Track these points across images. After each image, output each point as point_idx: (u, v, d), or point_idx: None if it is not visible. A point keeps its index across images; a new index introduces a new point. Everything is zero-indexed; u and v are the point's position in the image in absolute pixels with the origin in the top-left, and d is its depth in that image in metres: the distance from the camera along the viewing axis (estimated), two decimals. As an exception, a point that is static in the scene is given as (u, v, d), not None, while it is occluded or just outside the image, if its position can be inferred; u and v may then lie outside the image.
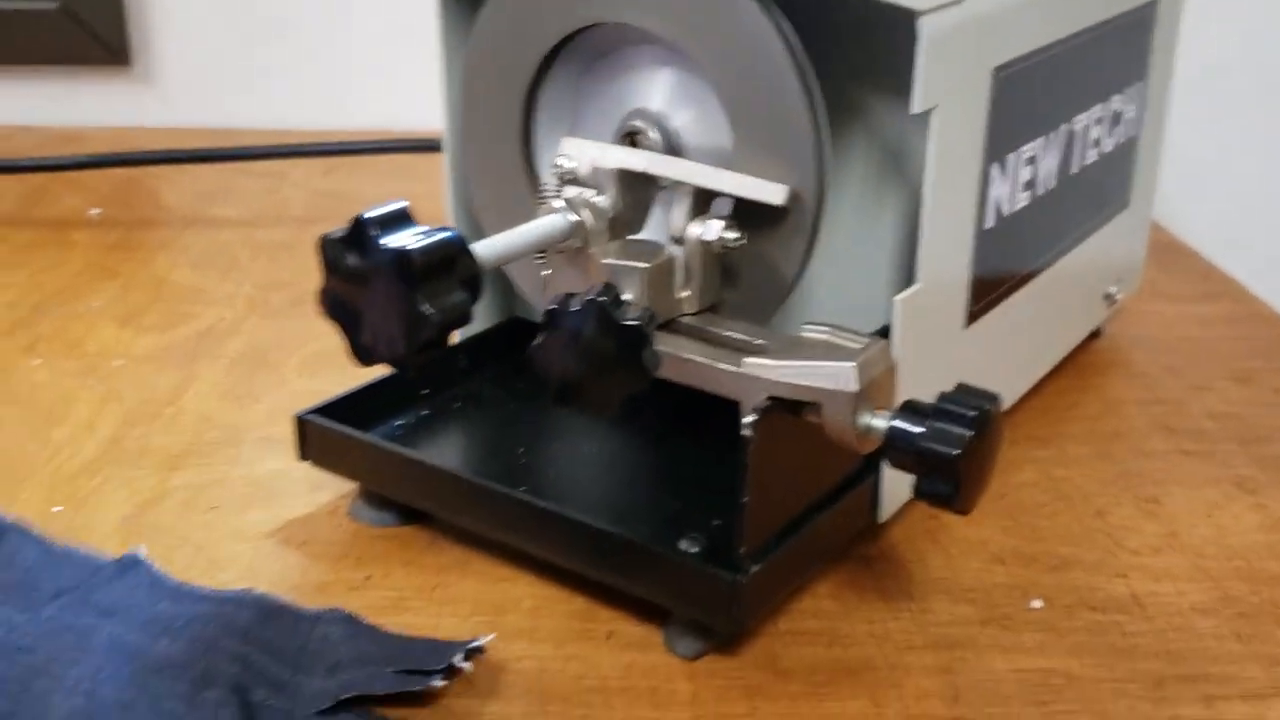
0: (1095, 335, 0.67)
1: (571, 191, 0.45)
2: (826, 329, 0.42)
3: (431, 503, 0.48)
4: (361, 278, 0.37)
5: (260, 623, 0.43)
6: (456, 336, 0.51)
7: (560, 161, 0.46)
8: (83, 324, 0.68)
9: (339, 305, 0.38)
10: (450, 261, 0.38)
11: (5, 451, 0.55)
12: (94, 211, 0.84)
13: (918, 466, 0.39)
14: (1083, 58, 0.54)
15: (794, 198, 0.45)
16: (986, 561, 0.49)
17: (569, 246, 0.45)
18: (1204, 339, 0.69)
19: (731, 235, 0.45)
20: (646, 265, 0.44)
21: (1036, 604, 0.47)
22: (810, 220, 0.45)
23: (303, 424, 0.50)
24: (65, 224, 0.82)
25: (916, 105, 0.43)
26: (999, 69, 0.47)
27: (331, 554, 0.49)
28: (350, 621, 0.43)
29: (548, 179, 0.46)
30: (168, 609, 0.44)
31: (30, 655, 0.41)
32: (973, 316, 0.50)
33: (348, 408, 0.51)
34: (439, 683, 0.41)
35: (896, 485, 0.48)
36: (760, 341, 0.44)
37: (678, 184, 0.45)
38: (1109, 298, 0.65)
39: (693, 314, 0.46)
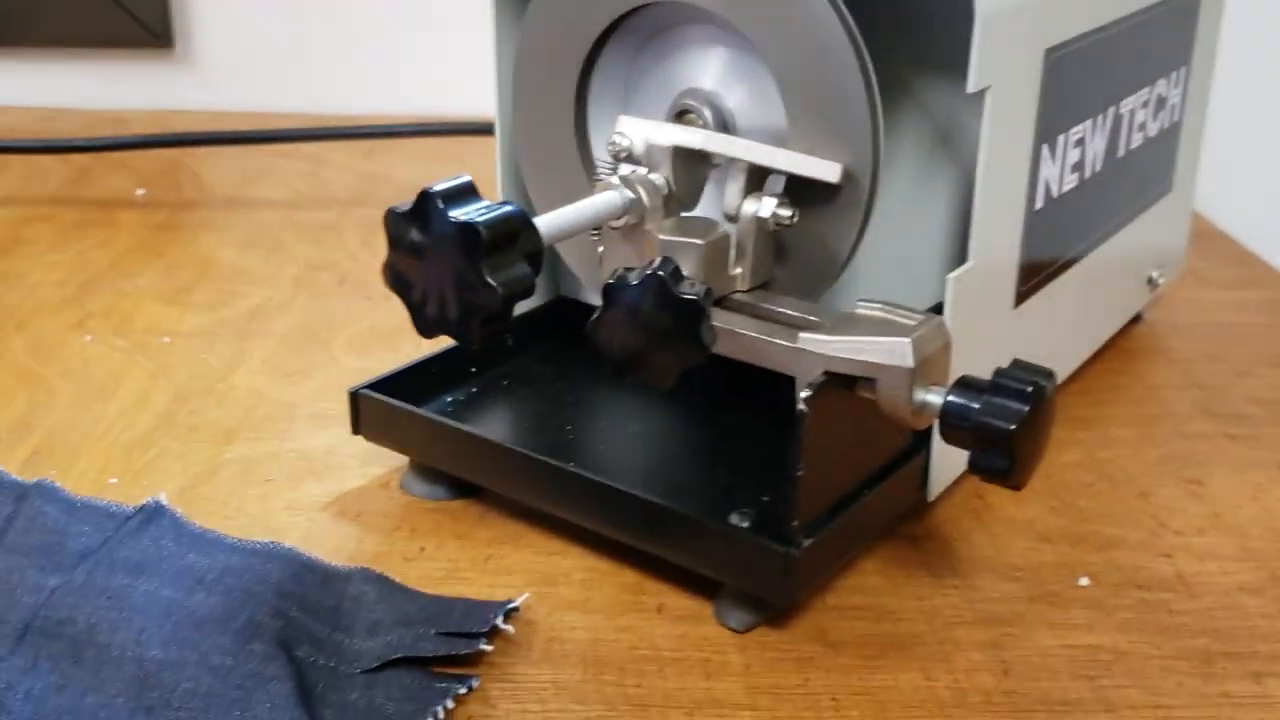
0: (1135, 320, 0.67)
1: (626, 169, 0.46)
2: (880, 306, 0.43)
3: (486, 476, 0.49)
4: (427, 251, 0.38)
5: (292, 577, 0.43)
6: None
7: (616, 139, 0.46)
8: (130, 302, 0.68)
9: (403, 278, 0.39)
10: (514, 235, 0.38)
11: (60, 425, 0.56)
12: (139, 192, 0.85)
13: (974, 441, 0.39)
14: (1131, 41, 0.55)
15: (848, 176, 0.45)
16: (1033, 540, 0.49)
17: (624, 223, 0.45)
18: (1242, 325, 0.69)
19: (785, 212, 0.45)
20: (703, 241, 0.44)
21: (1083, 582, 0.47)
22: (864, 198, 0.45)
23: (357, 399, 0.51)
24: (111, 204, 0.83)
25: (972, 84, 0.43)
26: (1051, 50, 0.48)
27: (385, 526, 0.49)
28: (382, 581, 0.44)
29: (603, 157, 0.47)
30: (196, 560, 0.44)
31: (72, 626, 0.41)
32: (1021, 297, 0.51)
33: (399, 384, 0.52)
34: (485, 646, 0.42)
35: (945, 463, 0.48)
36: (813, 318, 0.44)
37: (732, 162, 0.46)
38: (1151, 282, 0.65)
39: (744, 291, 0.46)
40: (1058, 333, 0.56)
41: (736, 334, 0.44)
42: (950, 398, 0.40)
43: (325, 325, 0.66)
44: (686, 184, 0.46)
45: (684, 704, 0.41)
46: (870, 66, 0.44)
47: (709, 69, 0.49)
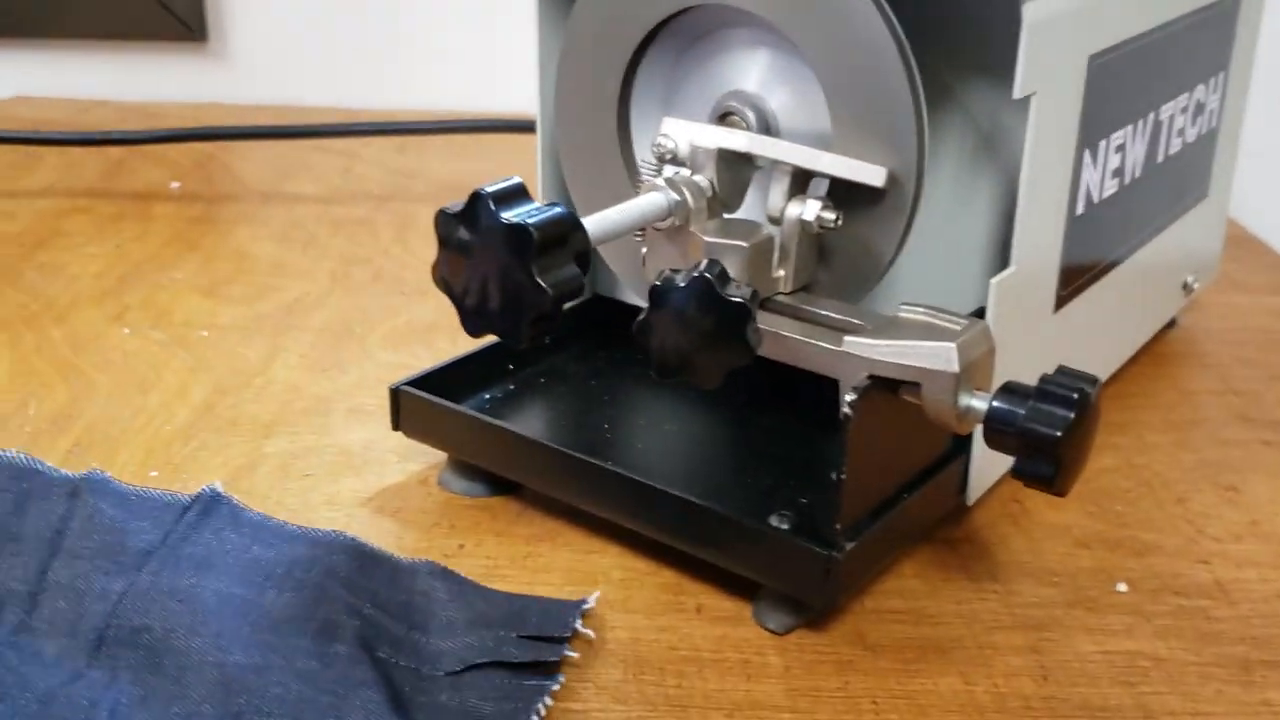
0: (1170, 325, 0.67)
1: (670, 170, 0.46)
2: (924, 310, 0.43)
3: (526, 474, 0.49)
4: (478, 251, 0.38)
5: (359, 570, 0.43)
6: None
7: (661, 141, 0.47)
8: (168, 295, 0.69)
9: (452, 278, 0.39)
10: (564, 237, 0.38)
11: (101, 417, 0.56)
12: (174, 185, 0.85)
13: (1019, 447, 0.39)
14: (1171, 47, 0.55)
15: (892, 180, 0.45)
16: (1070, 546, 0.49)
17: (669, 225, 0.45)
18: (1276, 330, 0.69)
19: (829, 215, 0.45)
20: (747, 244, 0.44)
21: (1121, 588, 0.47)
22: (908, 202, 0.45)
23: (397, 396, 0.51)
24: (147, 197, 0.83)
25: (1018, 90, 0.43)
26: (1094, 56, 0.48)
27: (425, 522, 0.49)
28: (449, 575, 0.44)
29: (647, 158, 0.47)
30: (261, 554, 0.44)
31: (149, 634, 0.40)
32: (1061, 302, 0.51)
33: (438, 381, 0.52)
34: (570, 653, 0.41)
35: (984, 467, 0.48)
36: (857, 321, 0.44)
37: (775, 164, 0.46)
38: (1187, 287, 0.65)
39: (787, 293, 0.46)
40: (1096, 337, 0.56)
41: (780, 336, 0.44)
42: (995, 403, 0.40)
43: (361, 320, 0.66)
44: (730, 186, 0.46)
45: (724, 705, 0.41)
46: (915, 70, 0.44)
47: (752, 71, 0.49)
